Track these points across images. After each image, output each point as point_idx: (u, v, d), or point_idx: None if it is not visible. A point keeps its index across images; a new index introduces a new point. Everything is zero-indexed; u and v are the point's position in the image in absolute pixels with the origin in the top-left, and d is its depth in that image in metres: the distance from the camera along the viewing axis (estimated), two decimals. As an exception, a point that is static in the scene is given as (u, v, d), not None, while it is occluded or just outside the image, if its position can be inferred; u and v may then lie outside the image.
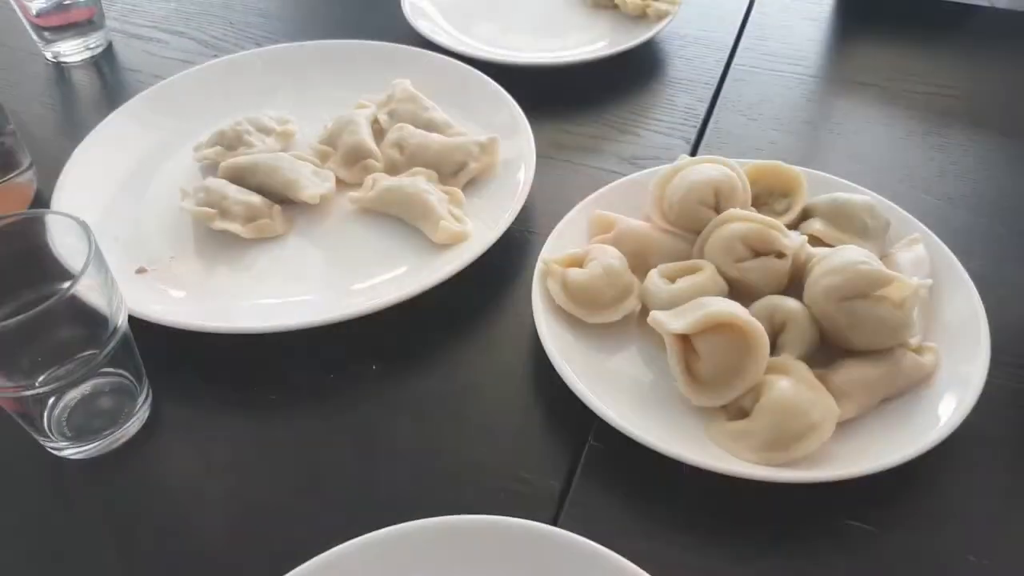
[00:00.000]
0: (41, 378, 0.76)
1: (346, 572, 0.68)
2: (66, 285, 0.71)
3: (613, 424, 0.77)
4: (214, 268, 1.00)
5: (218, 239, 1.03)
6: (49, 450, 0.83)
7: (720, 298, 0.81)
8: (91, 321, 0.77)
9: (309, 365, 0.91)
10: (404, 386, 0.89)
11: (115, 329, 0.79)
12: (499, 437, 0.84)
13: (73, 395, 0.83)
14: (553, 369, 0.83)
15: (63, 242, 0.79)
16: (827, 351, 0.83)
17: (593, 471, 0.80)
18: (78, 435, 0.83)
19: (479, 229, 1.00)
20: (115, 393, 0.85)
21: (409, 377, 0.90)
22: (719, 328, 0.78)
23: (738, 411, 0.79)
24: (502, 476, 0.80)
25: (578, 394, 0.80)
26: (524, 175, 1.04)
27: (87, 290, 0.74)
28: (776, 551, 0.73)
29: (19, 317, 0.69)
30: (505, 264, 1.01)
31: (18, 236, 0.80)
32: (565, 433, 0.83)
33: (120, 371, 0.85)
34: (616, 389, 0.82)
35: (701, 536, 0.74)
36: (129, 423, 0.85)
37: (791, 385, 0.77)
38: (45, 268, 0.80)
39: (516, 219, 1.01)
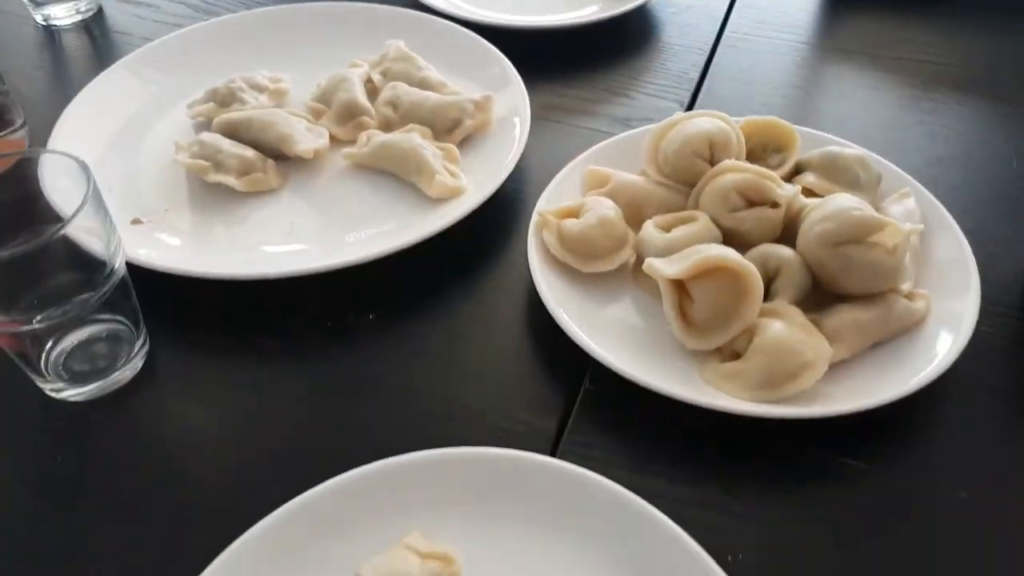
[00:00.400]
0: (39, 317, 0.76)
1: (338, 506, 0.69)
2: (65, 221, 0.71)
3: (608, 365, 0.78)
4: (209, 220, 1.00)
5: (212, 193, 1.02)
6: (47, 392, 0.83)
7: (714, 244, 0.82)
8: (89, 262, 0.77)
9: (307, 314, 0.91)
10: (401, 335, 0.89)
11: (112, 271, 0.79)
12: (495, 383, 0.84)
13: (71, 339, 0.83)
14: (549, 317, 0.83)
15: (58, 186, 0.79)
16: (819, 298, 0.84)
17: (588, 414, 0.81)
18: (74, 378, 0.83)
19: (474, 185, 1.00)
20: (112, 339, 0.85)
21: (406, 326, 0.90)
22: (713, 272, 0.79)
23: (731, 354, 0.80)
24: (498, 418, 0.81)
25: (573, 337, 0.81)
26: (519, 132, 1.05)
27: (85, 229, 0.74)
28: (770, 487, 0.74)
29: (15, 249, 0.68)
30: (500, 221, 1.02)
31: (14, 181, 0.79)
32: (561, 378, 0.84)
33: (117, 317, 0.85)
34: (611, 336, 0.83)
35: (694, 473, 0.75)
36: (125, 368, 0.85)
37: (784, 327, 0.78)
38: (40, 212, 0.80)
39: (511, 178, 1.01)
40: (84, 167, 0.75)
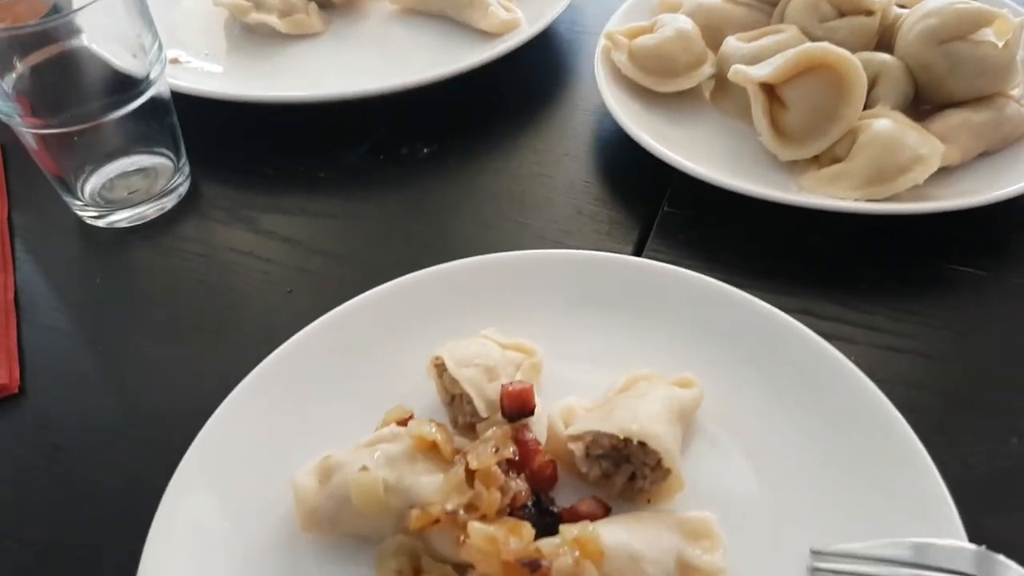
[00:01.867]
0: (66, 115, 0.70)
1: (410, 302, 0.64)
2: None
3: (695, 174, 0.71)
4: (250, 64, 0.93)
5: (252, 40, 0.96)
6: (87, 221, 0.78)
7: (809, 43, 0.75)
8: (121, 75, 0.71)
9: (358, 146, 0.85)
10: (458, 168, 0.83)
11: (148, 80, 0.73)
12: (564, 213, 0.78)
13: (110, 169, 0.77)
14: (617, 148, 0.78)
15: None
16: (922, 110, 0.76)
17: (668, 235, 0.74)
18: (112, 205, 0.77)
19: (530, 19, 0.93)
20: (152, 171, 0.80)
21: (463, 162, 0.84)
22: (809, 73, 0.72)
23: (831, 159, 0.73)
24: (570, 244, 0.74)
25: (652, 151, 0.74)
26: (577, -33, 0.97)
27: (118, 36, 0.69)
28: (883, 296, 0.67)
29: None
30: (558, 60, 0.95)
31: None
32: (634, 204, 0.78)
33: (157, 148, 0.79)
34: (692, 153, 0.76)
35: (797, 284, 0.69)
36: (166, 197, 0.79)
37: (891, 123, 0.71)
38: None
39: (568, 19, 0.94)
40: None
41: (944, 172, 0.71)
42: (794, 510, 0.53)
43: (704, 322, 0.61)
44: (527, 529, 0.50)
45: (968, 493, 0.51)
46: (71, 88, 0.70)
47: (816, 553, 0.53)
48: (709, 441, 0.57)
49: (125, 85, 0.71)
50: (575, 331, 0.63)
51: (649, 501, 0.55)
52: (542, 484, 0.55)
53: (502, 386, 0.57)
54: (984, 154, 0.74)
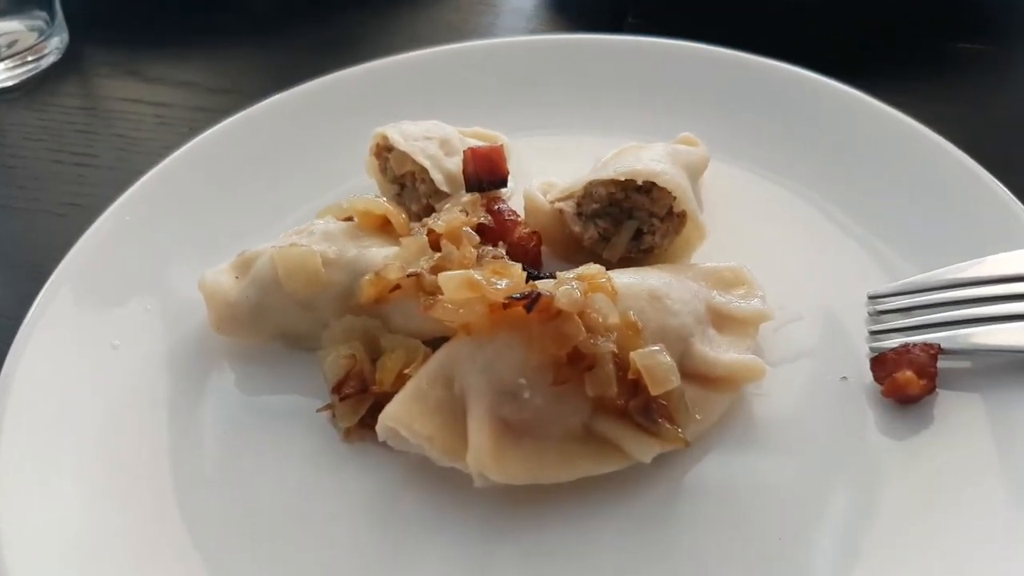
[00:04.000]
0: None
1: (352, 93, 0.53)
2: None
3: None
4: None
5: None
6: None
7: None
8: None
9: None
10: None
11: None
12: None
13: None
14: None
15: None
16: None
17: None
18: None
19: None
20: (24, 31, 0.67)
21: None
22: None
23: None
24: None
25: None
26: None
27: None
28: (888, 76, 0.58)
29: None
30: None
31: None
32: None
33: (31, 10, 0.67)
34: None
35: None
36: (42, 58, 0.66)
37: None
38: None
39: None
40: None
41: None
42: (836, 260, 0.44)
43: (696, 90, 0.51)
44: (516, 269, 0.38)
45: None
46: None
47: (873, 298, 0.42)
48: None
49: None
50: (544, 120, 0.53)
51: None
52: (526, 261, 0.43)
53: (466, 150, 0.45)
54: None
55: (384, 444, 0.37)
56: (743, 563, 0.34)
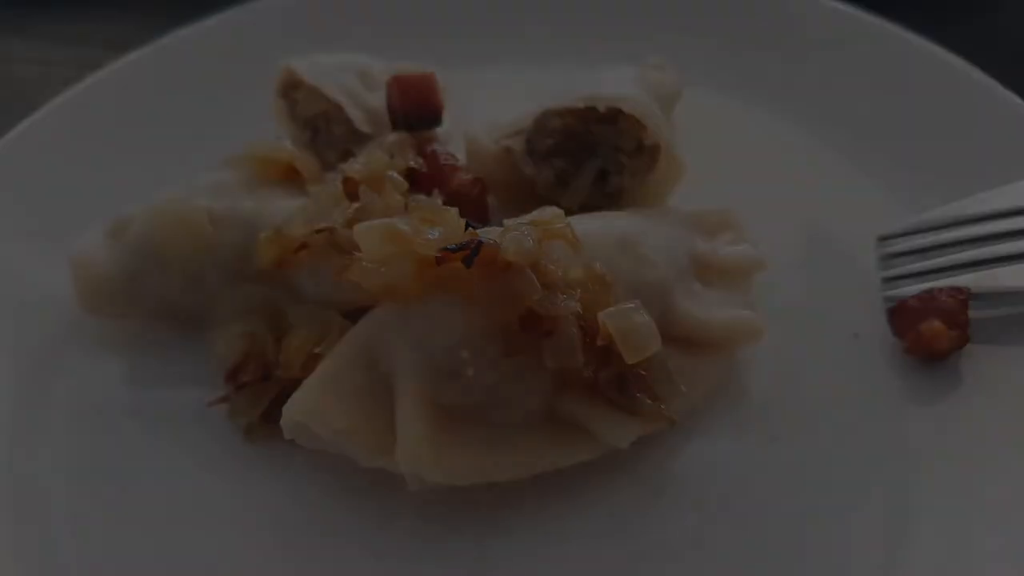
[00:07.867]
0: None
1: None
2: None
3: None
4: None
5: None
6: None
7: None
8: None
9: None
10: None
11: None
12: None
13: None
14: None
15: None
16: None
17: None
18: None
19: None
20: None
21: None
22: None
23: None
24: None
25: None
26: None
27: None
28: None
29: None
30: None
31: None
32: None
33: None
34: None
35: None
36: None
37: None
38: None
39: None
40: None
41: None
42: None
43: (664, 5, 0.44)
44: (451, 214, 0.30)
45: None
46: None
47: (885, 238, 0.36)
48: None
49: None
50: (486, 50, 0.45)
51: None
52: (468, 214, 0.35)
53: (389, 79, 0.37)
54: None
55: (293, 443, 0.29)
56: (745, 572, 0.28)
